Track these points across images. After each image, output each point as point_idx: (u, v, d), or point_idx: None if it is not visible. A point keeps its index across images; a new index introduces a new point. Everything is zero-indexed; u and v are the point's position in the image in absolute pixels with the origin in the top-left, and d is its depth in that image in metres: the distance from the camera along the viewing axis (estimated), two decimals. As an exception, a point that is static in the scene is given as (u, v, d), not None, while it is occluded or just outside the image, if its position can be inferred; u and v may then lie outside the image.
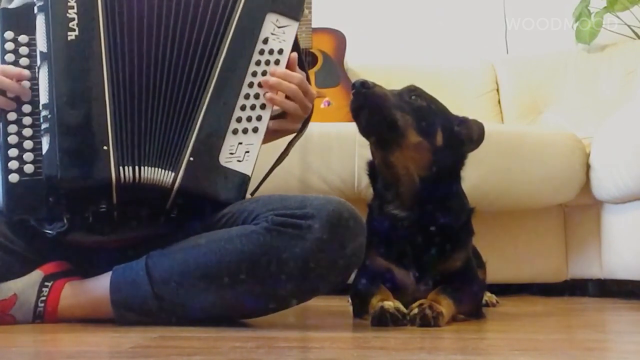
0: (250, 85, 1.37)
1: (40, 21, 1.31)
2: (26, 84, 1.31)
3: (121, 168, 1.27)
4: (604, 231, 2.32)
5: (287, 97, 1.39)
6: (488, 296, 1.90)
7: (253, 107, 1.36)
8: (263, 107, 1.36)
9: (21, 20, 1.33)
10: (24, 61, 1.32)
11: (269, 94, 1.37)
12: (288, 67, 1.40)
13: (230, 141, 1.34)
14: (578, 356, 0.99)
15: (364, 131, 1.47)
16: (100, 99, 1.29)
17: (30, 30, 1.32)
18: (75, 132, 1.27)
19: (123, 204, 1.30)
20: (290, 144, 1.54)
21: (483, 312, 1.56)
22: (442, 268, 1.48)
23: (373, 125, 1.43)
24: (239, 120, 1.35)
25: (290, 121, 1.46)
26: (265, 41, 1.39)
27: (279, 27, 1.39)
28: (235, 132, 1.34)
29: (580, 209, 2.40)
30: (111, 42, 1.31)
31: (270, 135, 1.45)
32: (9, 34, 1.33)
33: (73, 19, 1.29)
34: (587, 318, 1.73)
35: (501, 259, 2.25)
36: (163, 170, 1.31)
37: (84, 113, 1.28)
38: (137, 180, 1.29)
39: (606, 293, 2.43)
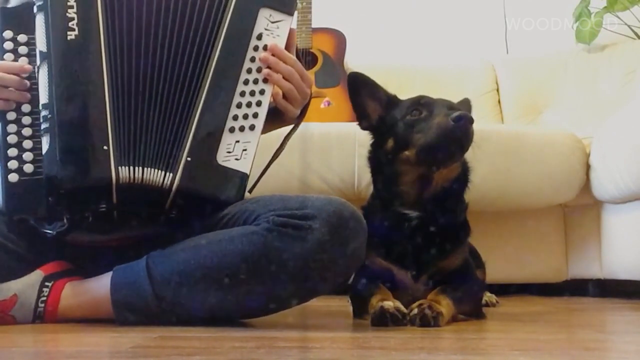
0: (246, 82, 1.36)
1: (39, 20, 1.30)
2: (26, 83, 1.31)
3: (120, 168, 1.27)
4: (604, 231, 2.32)
5: (284, 78, 1.38)
6: (488, 296, 1.90)
7: (249, 105, 1.35)
8: (259, 104, 1.36)
9: (20, 20, 1.33)
10: (23, 60, 1.32)
11: (266, 70, 1.36)
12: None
13: (227, 140, 1.33)
14: (578, 356, 0.99)
15: (439, 156, 1.43)
16: (100, 98, 1.28)
17: (30, 30, 1.32)
18: (75, 131, 1.27)
19: (123, 203, 1.29)
20: (287, 138, 1.53)
21: (483, 312, 1.56)
22: (441, 266, 1.48)
23: (451, 153, 1.43)
24: (235, 118, 1.34)
25: (290, 102, 1.43)
26: (259, 37, 1.37)
27: (272, 22, 1.38)
28: (232, 130, 1.34)
29: (580, 209, 2.40)
30: (110, 42, 1.31)
31: (272, 123, 1.44)
32: (8, 34, 1.32)
33: (73, 19, 1.29)
34: (587, 318, 1.73)
35: (501, 259, 2.25)
36: (161, 172, 1.30)
37: (84, 113, 1.27)
38: (136, 180, 1.29)
39: (606, 293, 2.43)
